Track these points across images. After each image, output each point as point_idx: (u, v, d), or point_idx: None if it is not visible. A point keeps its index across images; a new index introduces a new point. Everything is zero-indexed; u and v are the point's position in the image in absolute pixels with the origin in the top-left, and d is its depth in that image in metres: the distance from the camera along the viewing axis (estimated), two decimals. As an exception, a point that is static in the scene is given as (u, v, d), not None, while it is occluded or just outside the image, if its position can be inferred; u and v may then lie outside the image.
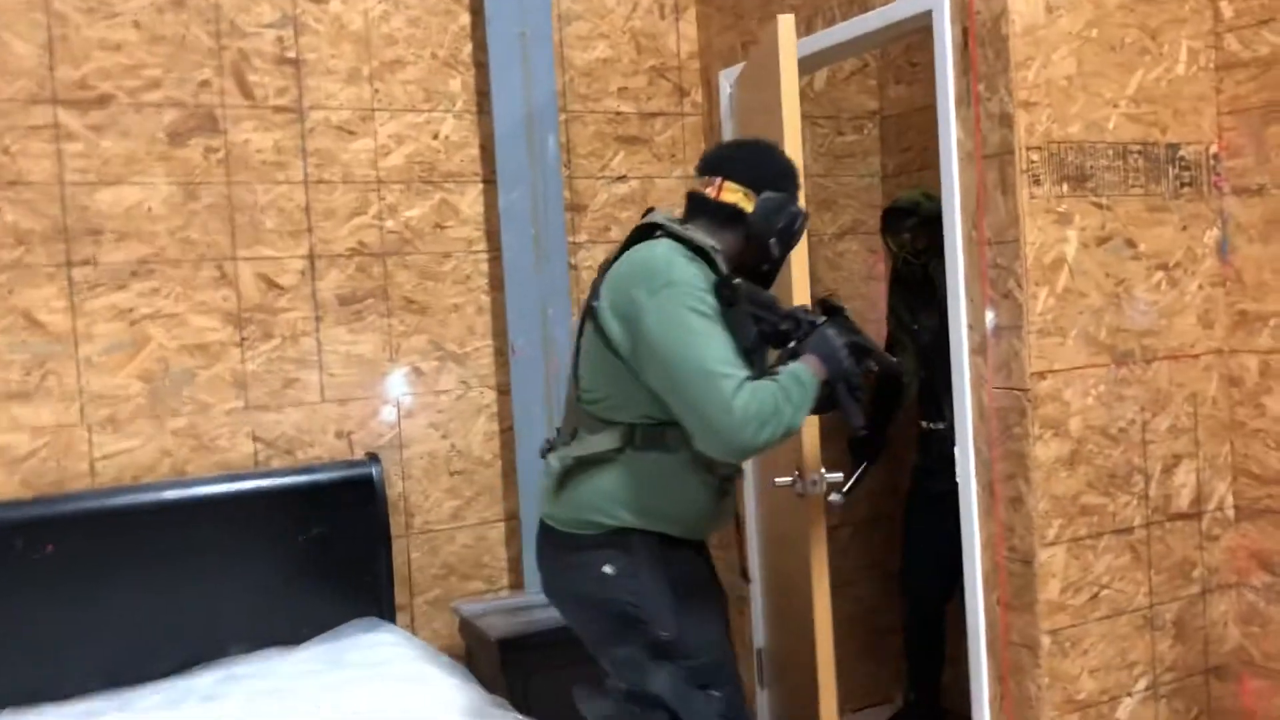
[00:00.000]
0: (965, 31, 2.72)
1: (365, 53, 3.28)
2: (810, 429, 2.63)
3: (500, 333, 3.44)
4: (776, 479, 2.47)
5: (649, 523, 2.17)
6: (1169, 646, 2.86)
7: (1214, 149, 2.92)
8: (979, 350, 2.77)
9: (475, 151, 3.42)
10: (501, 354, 3.45)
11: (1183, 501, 2.89)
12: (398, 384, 3.34)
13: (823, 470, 2.49)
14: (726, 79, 3.54)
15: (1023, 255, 2.64)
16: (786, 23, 2.57)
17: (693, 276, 2.10)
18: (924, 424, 3.64)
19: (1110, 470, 2.77)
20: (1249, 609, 2.96)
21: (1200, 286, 2.91)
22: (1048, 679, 2.68)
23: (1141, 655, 2.82)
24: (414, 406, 3.36)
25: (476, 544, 3.45)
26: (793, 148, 2.52)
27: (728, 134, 3.57)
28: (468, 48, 3.40)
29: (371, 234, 3.30)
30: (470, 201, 3.42)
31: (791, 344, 2.23)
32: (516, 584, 3.47)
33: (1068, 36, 2.68)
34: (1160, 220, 2.85)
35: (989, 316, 2.73)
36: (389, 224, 3.32)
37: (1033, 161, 2.65)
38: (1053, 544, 2.69)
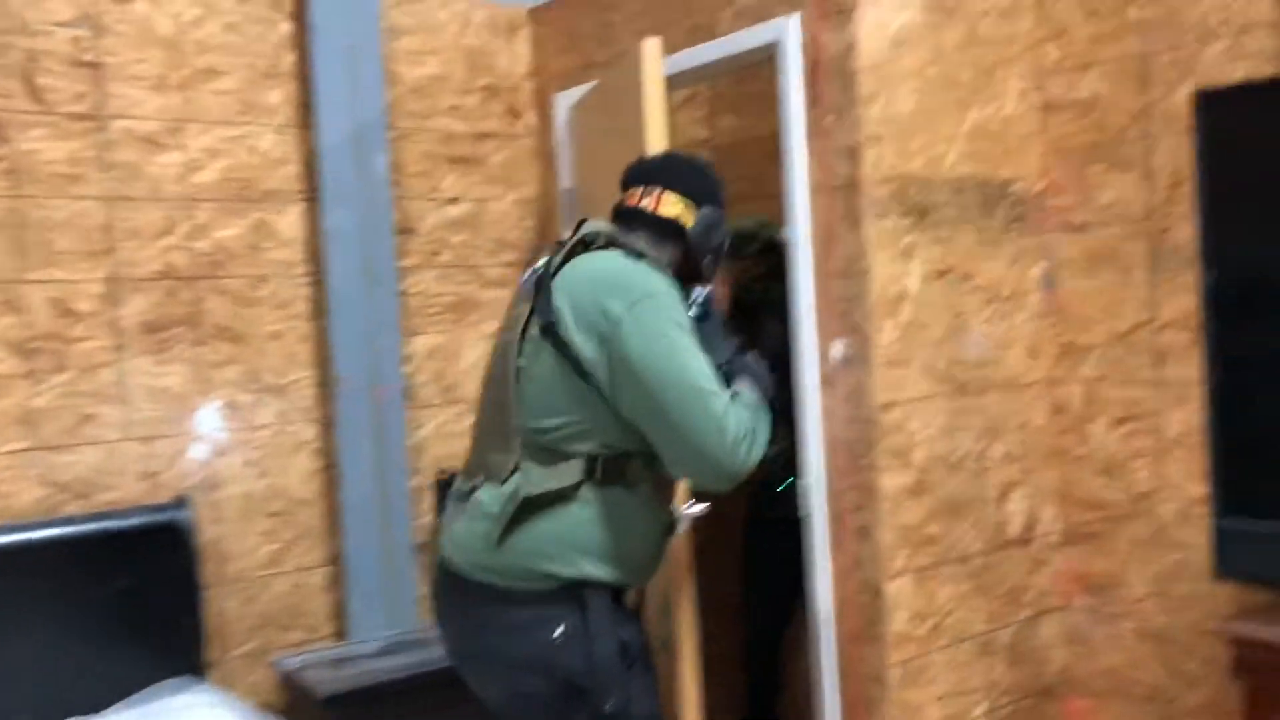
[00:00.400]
0: (813, 64, 2.72)
1: (176, 59, 3.01)
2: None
3: (323, 363, 3.22)
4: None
5: (608, 572, 1.94)
6: (1004, 671, 2.93)
7: (1040, 186, 3.03)
8: (827, 381, 2.76)
9: (297, 168, 3.19)
10: (324, 385, 3.23)
11: (1015, 528, 2.97)
12: (209, 419, 3.07)
13: (693, 501, 2.41)
14: (564, 102, 3.44)
15: (870, 288, 2.65)
16: (653, 46, 2.50)
17: (669, 288, 1.94)
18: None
19: (951, 499, 2.81)
20: (1073, 630, 3.07)
21: (1028, 319, 3.01)
22: (896, 711, 2.69)
23: (980, 681, 2.87)
24: (228, 443, 3.09)
25: (295, 591, 3.20)
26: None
27: (564, 159, 3.47)
28: (289, 58, 3.17)
29: (181, 256, 3.02)
30: (291, 222, 3.19)
31: (723, 366, 2.10)
32: (339, 633, 3.24)
33: (910, 73, 2.72)
34: (993, 254, 2.92)
35: (837, 348, 2.73)
36: (201, 245, 3.05)
37: (879, 196, 2.66)
38: (900, 575, 2.70)
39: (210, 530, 3.05)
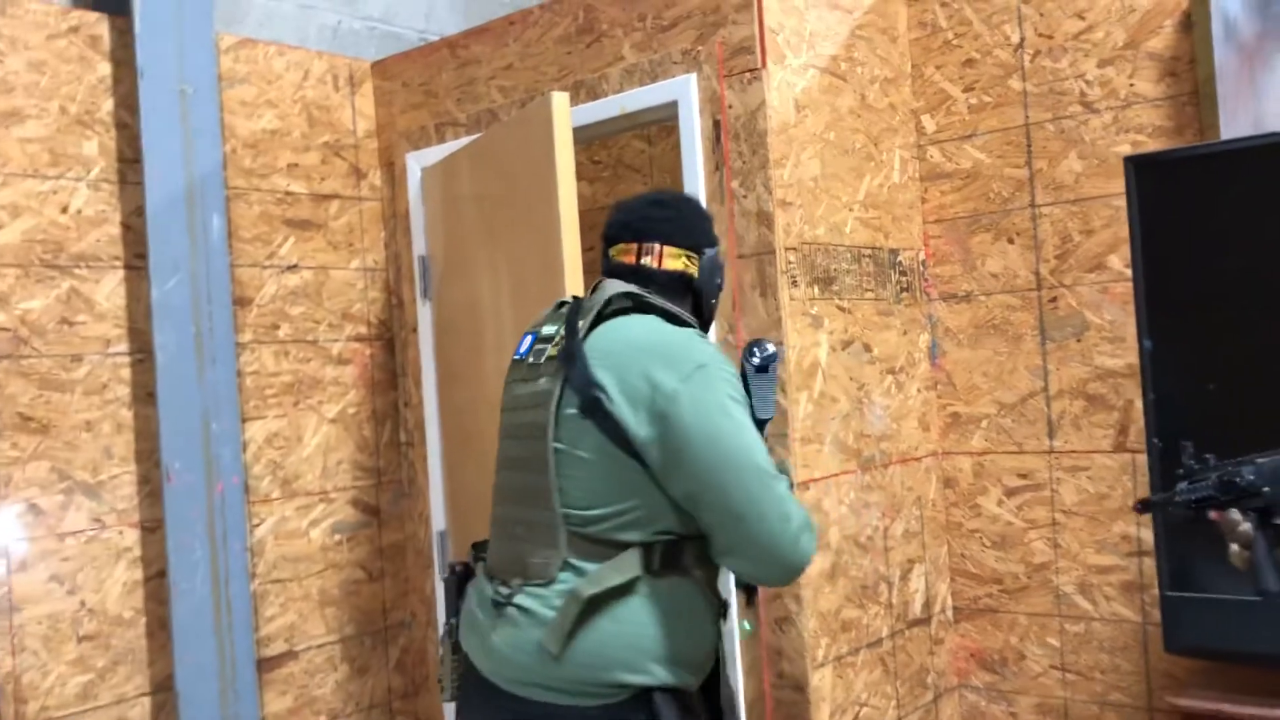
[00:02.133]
0: (716, 125, 2.58)
1: (-32, 98, 2.54)
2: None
3: (146, 455, 2.76)
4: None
5: (677, 675, 1.68)
6: (914, 758, 2.80)
7: (922, 255, 3.00)
8: (735, 461, 2.58)
9: (116, 230, 2.75)
10: (148, 481, 2.77)
11: (917, 607, 2.87)
12: (7, 527, 2.55)
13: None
14: (417, 162, 3.16)
15: (786, 359, 2.51)
16: (561, 101, 2.27)
17: (719, 356, 1.73)
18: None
19: (862, 580, 2.68)
20: (971, 709, 2.98)
21: (919, 390, 2.95)
22: (823, 814, 2.50)
23: (894, 772, 2.73)
24: (29, 555, 2.58)
25: (113, 727, 2.70)
26: (570, 240, 2.21)
27: (416, 224, 3.18)
28: (108, 104, 2.75)
29: (-27, 331, 2.53)
30: (109, 292, 2.74)
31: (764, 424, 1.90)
32: (167, 772, 2.75)
33: (813, 138, 2.63)
34: (887, 324, 2.85)
35: (748, 424, 2.55)
36: (-2, 318, 2.56)
37: (790, 263, 2.54)
38: (822, 665, 2.53)
39: (7, 663, 2.52)
